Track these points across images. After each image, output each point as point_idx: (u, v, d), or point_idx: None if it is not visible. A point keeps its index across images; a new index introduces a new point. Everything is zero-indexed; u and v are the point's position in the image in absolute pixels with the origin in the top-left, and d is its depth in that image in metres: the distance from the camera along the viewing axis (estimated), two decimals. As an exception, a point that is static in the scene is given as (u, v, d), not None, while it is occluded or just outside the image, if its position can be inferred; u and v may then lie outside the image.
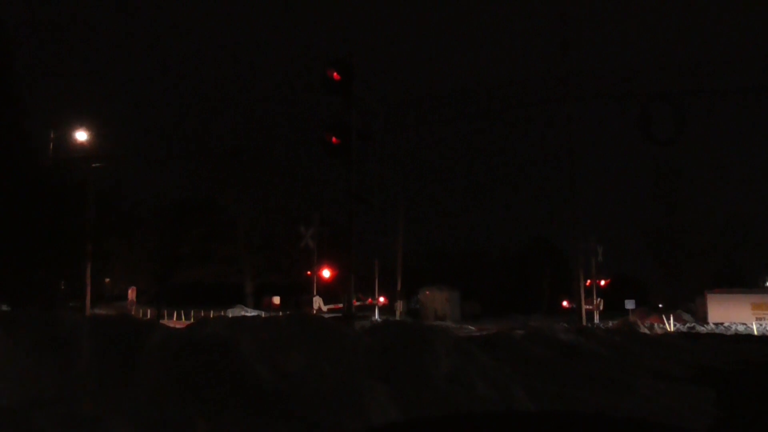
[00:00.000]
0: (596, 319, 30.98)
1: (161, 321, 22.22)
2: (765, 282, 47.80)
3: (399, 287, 39.45)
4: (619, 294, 42.23)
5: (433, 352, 5.87)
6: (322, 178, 43.51)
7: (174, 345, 4.93)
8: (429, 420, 1.03)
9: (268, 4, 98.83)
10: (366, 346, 5.82)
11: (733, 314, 33.64)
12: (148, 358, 4.70)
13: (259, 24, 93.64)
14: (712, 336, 24.92)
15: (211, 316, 25.53)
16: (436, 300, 41.76)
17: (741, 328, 30.71)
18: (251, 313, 35.76)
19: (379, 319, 30.50)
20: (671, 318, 32.26)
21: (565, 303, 50.31)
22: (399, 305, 38.98)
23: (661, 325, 30.37)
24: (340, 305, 32.04)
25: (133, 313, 31.90)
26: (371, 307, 39.28)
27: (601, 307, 34.61)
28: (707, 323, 33.04)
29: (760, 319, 32.53)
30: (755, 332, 28.45)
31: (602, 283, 36.52)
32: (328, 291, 38.89)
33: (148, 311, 35.07)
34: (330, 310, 32.00)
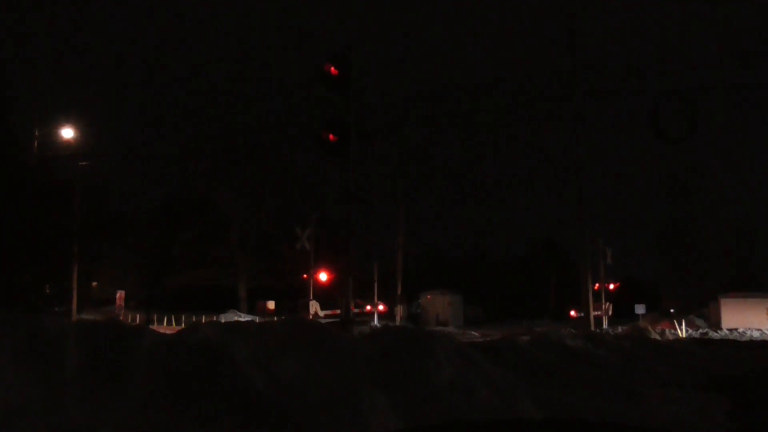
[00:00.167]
0: (605, 325, 30.99)
1: (151, 326, 22.18)
2: (781, 286, 47.81)
3: (399, 291, 39.46)
4: (628, 298, 42.25)
5: (434, 359, 5.87)
6: (320, 178, 43.56)
7: (164, 351, 4.93)
8: (430, 428, 1.03)
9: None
10: (365, 352, 5.82)
11: (747, 320, 33.66)
12: (137, 365, 4.69)
13: (254, 17, 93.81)
14: (725, 342, 24.93)
15: (203, 321, 25.52)
16: (438, 304, 41.77)
17: (756, 334, 30.72)
18: (245, 318, 35.75)
19: (378, 325, 30.48)
20: (683, 323, 32.26)
21: (573, 312, 50.28)
22: (399, 310, 38.97)
23: (673, 331, 30.37)
24: (338, 311, 32.01)
25: (121, 318, 31.89)
26: (370, 314, 39.24)
27: (610, 312, 34.63)
28: (721, 329, 33.05)
29: (776, 324, 32.57)
30: (771, 338, 28.46)
31: (611, 287, 36.52)
32: (325, 295, 38.88)
33: (137, 316, 35.06)
34: (327, 317, 31.96)
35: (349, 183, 10.58)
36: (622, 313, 39.40)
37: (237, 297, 46.02)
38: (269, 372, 4.82)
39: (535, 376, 8.37)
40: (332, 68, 10.59)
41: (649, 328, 28.94)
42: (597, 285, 31.15)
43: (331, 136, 10.56)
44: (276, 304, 45.30)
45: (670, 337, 26.82)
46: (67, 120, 28.77)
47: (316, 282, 34.21)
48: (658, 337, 24.34)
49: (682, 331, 30.87)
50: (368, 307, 39.72)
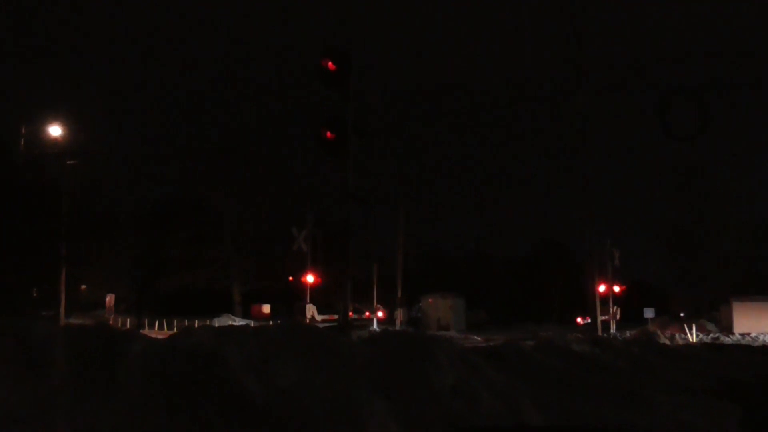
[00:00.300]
0: (613, 329, 31.01)
1: (141, 331, 22.19)
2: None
3: (399, 294, 39.44)
4: (637, 302, 42.29)
5: (435, 364, 5.88)
6: (317, 177, 43.55)
7: (156, 356, 4.93)
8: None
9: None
10: (364, 358, 5.82)
11: (760, 324, 33.67)
12: (127, 371, 4.70)
13: (249, 12, 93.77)
14: (737, 347, 24.92)
15: (196, 325, 25.50)
16: (439, 308, 41.77)
17: (769, 339, 30.76)
18: (239, 322, 35.74)
19: (377, 329, 30.50)
20: (693, 328, 32.27)
21: (579, 320, 50.28)
22: (399, 313, 38.95)
23: (683, 336, 30.38)
24: (336, 316, 31.96)
25: (111, 322, 31.92)
26: (369, 320, 39.17)
27: (618, 316, 34.64)
28: (732, 333, 33.06)
29: (790, 328, 32.59)
30: (784, 343, 28.47)
31: (618, 289, 36.53)
32: (322, 299, 38.87)
33: (127, 320, 35.05)
34: (324, 321, 31.96)
35: (347, 182, 10.60)
36: (631, 316, 39.42)
37: (231, 300, 46.01)
38: (265, 377, 4.83)
39: (540, 382, 8.37)
40: (330, 63, 10.60)
41: (659, 332, 28.95)
42: (605, 288, 31.15)
43: (329, 134, 10.57)
44: (271, 308, 45.30)
45: (680, 342, 26.83)
46: (54, 117, 28.72)
47: (313, 285, 34.18)
48: (667, 342, 24.36)
49: (693, 336, 30.88)
50: (367, 314, 39.61)
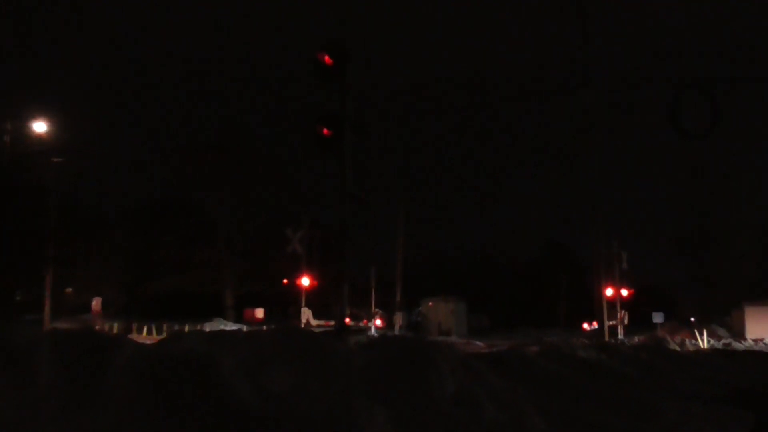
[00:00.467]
0: (620, 334, 31.03)
1: (129, 335, 22.14)
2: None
3: (398, 298, 39.43)
4: (645, 306, 42.28)
5: (436, 371, 5.88)
6: (313, 177, 43.57)
7: (145, 363, 4.92)
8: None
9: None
10: (361, 364, 5.82)
11: (773, 329, 33.71)
12: (115, 378, 4.69)
13: (243, 8, 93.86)
14: (750, 353, 24.94)
15: (186, 330, 25.53)
16: (440, 312, 41.75)
17: (783, 345, 30.79)
18: (231, 326, 35.70)
19: (375, 334, 30.47)
20: (704, 333, 32.30)
21: (585, 326, 50.31)
22: (398, 318, 38.92)
23: (693, 341, 30.41)
24: (332, 322, 31.91)
25: (98, 326, 31.86)
26: (367, 327, 39.05)
27: (626, 321, 34.67)
28: (745, 339, 33.09)
29: (805, 334, 32.63)
30: (799, 349, 28.50)
31: (626, 293, 36.56)
32: (319, 303, 38.84)
33: (115, 325, 35.00)
34: (320, 326, 31.93)
35: (344, 181, 10.59)
36: (639, 321, 39.42)
37: (223, 304, 45.98)
38: (258, 384, 4.82)
39: (545, 390, 8.37)
40: (326, 57, 10.58)
41: (668, 338, 29.00)
42: (612, 292, 31.18)
43: (324, 131, 10.55)
44: (265, 312, 45.27)
45: (691, 348, 26.86)
46: (40, 113, 28.62)
47: (308, 288, 34.17)
48: (677, 348, 24.39)
49: (704, 342, 30.91)
50: (364, 321, 39.43)
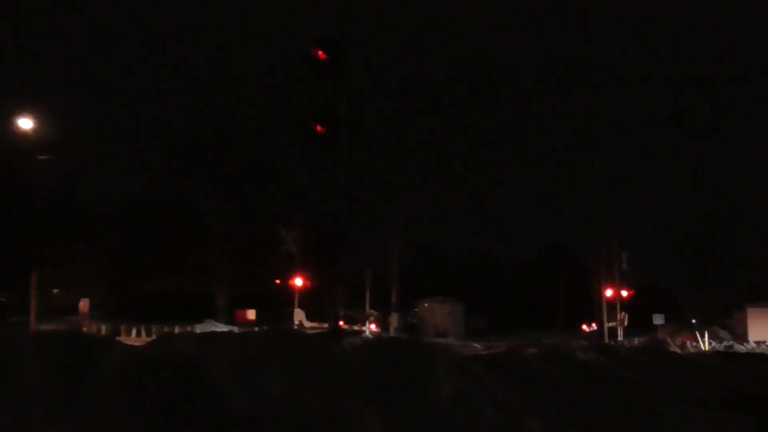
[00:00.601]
0: (620, 336, 31.14)
1: (118, 338, 22.11)
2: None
3: (394, 299, 39.48)
4: (646, 307, 42.43)
5: (432, 373, 5.89)
6: (307, 175, 43.48)
7: (134, 365, 4.91)
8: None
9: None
10: (356, 366, 5.82)
11: (776, 331, 33.86)
12: (103, 381, 4.68)
13: (235, 1, 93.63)
14: (752, 356, 25.06)
15: (176, 332, 25.47)
16: (437, 314, 41.81)
17: (786, 348, 30.94)
18: (222, 328, 35.66)
19: (370, 336, 30.49)
20: (705, 335, 32.46)
21: (584, 327, 50.48)
22: (393, 319, 38.94)
23: (694, 344, 30.56)
24: (325, 324, 31.90)
25: (85, 328, 31.77)
26: (361, 331, 38.99)
27: (626, 323, 34.79)
28: (747, 342, 33.26)
29: (808, 336, 32.78)
30: (801, 352, 28.62)
31: (626, 294, 36.67)
32: (313, 304, 38.82)
33: (103, 327, 34.93)
34: (313, 328, 31.93)
35: (339, 179, 10.58)
36: (640, 323, 39.57)
37: (214, 306, 45.92)
38: (250, 388, 4.82)
39: (544, 393, 8.39)
40: (320, 52, 10.58)
41: (669, 340, 29.09)
42: (612, 293, 31.26)
43: (318, 128, 10.55)
44: (257, 314, 45.26)
45: (692, 350, 26.97)
46: (25, 109, 28.48)
47: (302, 289, 34.18)
48: (678, 350, 24.46)
49: (705, 344, 31.05)
50: (359, 326, 39.37)
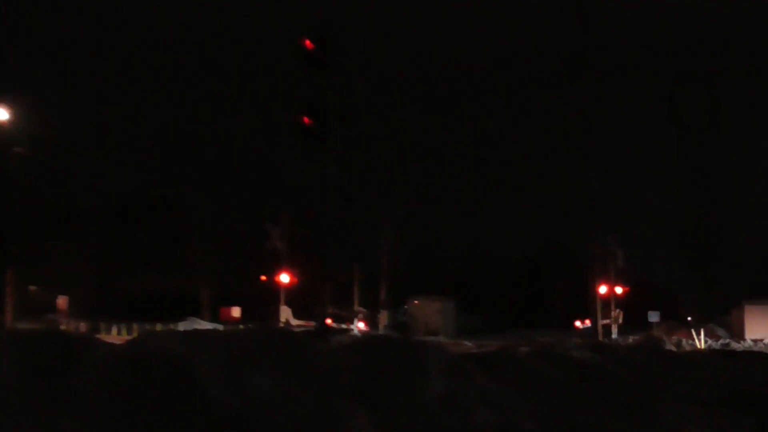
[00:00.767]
0: (614, 334, 31.34)
1: (98, 336, 21.98)
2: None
3: (383, 296, 39.51)
4: (641, 304, 42.69)
5: (423, 372, 5.90)
6: (295, 169, 43.37)
7: (115, 364, 4.89)
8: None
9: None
10: (344, 365, 5.82)
11: (774, 329, 34.17)
12: (82, 381, 4.66)
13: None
14: (750, 354, 25.27)
15: (158, 330, 25.40)
16: (427, 311, 41.88)
17: (784, 346, 31.22)
18: (206, 326, 35.59)
19: (359, 334, 30.53)
20: (702, 333, 32.70)
21: (577, 323, 50.71)
22: (382, 317, 38.98)
23: (691, 342, 30.80)
24: (313, 322, 31.91)
25: (64, 326, 31.60)
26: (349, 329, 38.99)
27: (621, 320, 35.01)
28: (744, 339, 33.55)
29: (806, 334, 33.10)
30: (799, 350, 28.92)
31: (621, 291, 36.89)
32: (299, 302, 38.80)
33: (82, 325, 34.76)
34: (300, 326, 31.92)
35: (327, 173, 10.56)
36: (635, 320, 39.81)
37: (198, 303, 45.80)
38: (235, 386, 4.81)
39: (537, 393, 8.42)
40: (307, 42, 10.54)
41: (664, 337, 29.34)
42: (606, 289, 31.41)
43: (306, 120, 10.52)
44: (242, 311, 45.18)
45: (688, 348, 27.20)
46: (1, 99, 28.17)
47: (288, 286, 34.13)
48: (674, 348, 24.67)
49: (701, 342, 31.29)
50: (347, 324, 39.40)
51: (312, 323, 32.44)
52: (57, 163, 40.64)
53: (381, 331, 35.72)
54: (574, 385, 9.78)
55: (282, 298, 34.06)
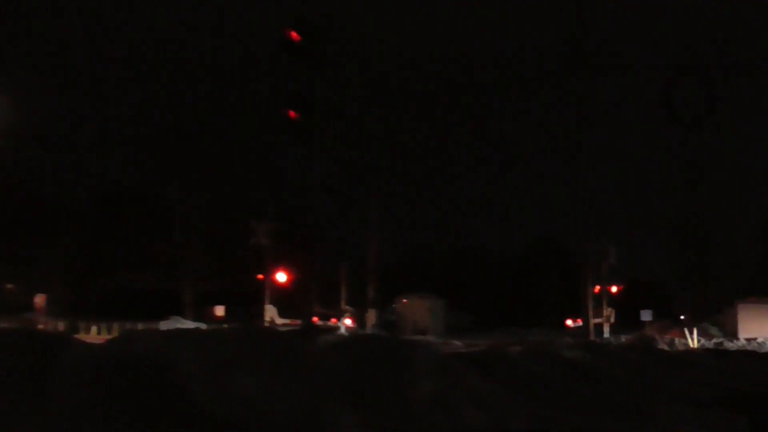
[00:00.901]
0: (606, 333, 31.50)
1: (76, 335, 21.85)
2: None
3: (371, 294, 39.48)
4: (633, 303, 42.89)
5: (412, 372, 5.90)
6: (281, 163, 43.27)
7: (94, 364, 4.86)
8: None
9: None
10: (331, 365, 5.82)
11: (767, 328, 34.47)
12: (60, 382, 4.62)
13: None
14: (743, 353, 25.49)
15: (140, 329, 25.25)
16: (416, 310, 41.89)
17: (777, 345, 31.51)
18: (189, 325, 35.47)
19: (346, 333, 30.52)
20: (695, 332, 32.94)
21: (568, 322, 50.87)
22: (370, 315, 38.97)
23: (683, 341, 31.00)
24: (298, 321, 31.87)
25: (41, 325, 31.37)
26: (336, 326, 39.01)
27: (612, 319, 35.17)
28: (737, 338, 33.81)
29: (799, 333, 33.41)
30: (793, 349, 29.22)
31: (614, 289, 37.04)
32: (285, 300, 38.73)
33: (60, 323, 34.53)
34: (285, 325, 31.86)
35: (314, 169, 10.54)
36: (627, 319, 40.00)
37: (181, 302, 45.61)
38: (220, 387, 4.80)
39: (528, 392, 8.46)
40: (293, 33, 10.51)
41: (657, 336, 29.55)
42: (598, 287, 31.55)
43: (292, 114, 10.50)
44: (226, 310, 45.02)
45: (681, 348, 27.39)
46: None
47: (274, 284, 34.04)
48: (666, 347, 24.86)
49: (694, 341, 31.52)
50: (333, 320, 39.44)
51: (298, 322, 32.39)
52: (34, 155, 40.38)
53: (369, 330, 35.71)
54: (565, 384, 9.83)
55: (267, 297, 33.96)
